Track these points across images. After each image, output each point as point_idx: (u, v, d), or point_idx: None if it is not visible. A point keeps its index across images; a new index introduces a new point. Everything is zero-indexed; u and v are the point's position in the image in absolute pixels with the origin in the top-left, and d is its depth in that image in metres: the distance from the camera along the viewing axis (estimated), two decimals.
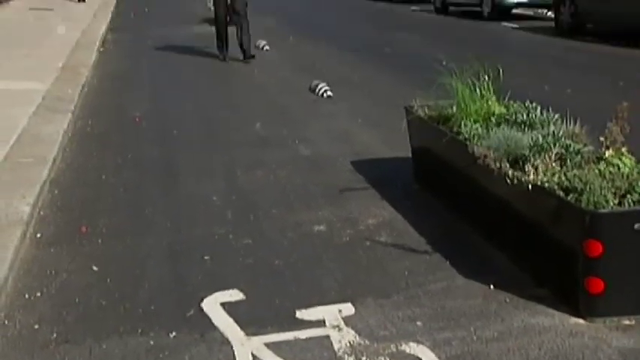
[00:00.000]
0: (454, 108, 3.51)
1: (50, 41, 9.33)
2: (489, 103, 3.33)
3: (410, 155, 4.01)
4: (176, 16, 14.55)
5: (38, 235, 3.17)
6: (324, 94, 6.34)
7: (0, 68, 6.99)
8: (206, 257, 2.96)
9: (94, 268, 2.86)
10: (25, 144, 4.28)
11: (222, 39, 8.39)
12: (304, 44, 10.13)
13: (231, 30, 8.21)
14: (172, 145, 4.75)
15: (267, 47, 9.41)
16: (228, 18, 8.41)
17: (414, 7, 17.70)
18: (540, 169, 2.59)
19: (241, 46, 8.11)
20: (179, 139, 4.91)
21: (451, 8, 16.04)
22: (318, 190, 3.83)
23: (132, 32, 11.57)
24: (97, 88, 6.75)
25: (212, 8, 12.50)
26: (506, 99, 3.51)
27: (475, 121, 3.24)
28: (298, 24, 13.40)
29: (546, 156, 2.66)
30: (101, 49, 9.19)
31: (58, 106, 5.36)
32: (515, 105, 3.39)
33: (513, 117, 3.18)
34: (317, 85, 6.47)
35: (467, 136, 3.13)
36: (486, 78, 3.45)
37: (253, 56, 8.09)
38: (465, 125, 3.21)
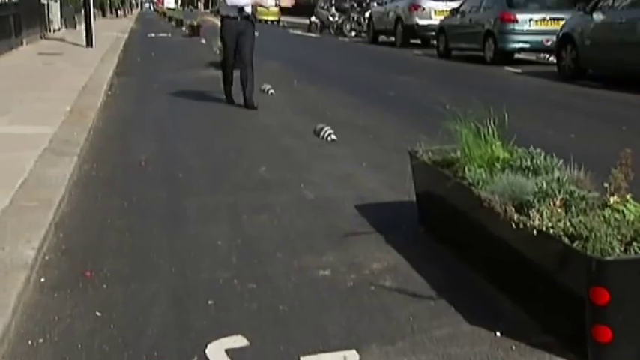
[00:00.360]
0: (458, 153, 3.53)
1: (59, 85, 9.45)
2: (493, 148, 3.35)
3: (415, 199, 4.02)
4: (182, 60, 14.75)
5: (42, 280, 3.16)
6: (329, 138, 6.38)
7: (10, 112, 7.08)
8: (210, 302, 2.94)
9: (98, 313, 2.84)
10: (30, 187, 4.29)
11: (228, 82, 8.44)
12: (308, 88, 10.25)
13: (237, 73, 8.28)
14: (177, 189, 4.77)
15: (271, 91, 9.50)
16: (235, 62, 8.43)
17: (416, 52, 17.94)
18: (545, 215, 2.59)
19: (244, 94, 8.13)
20: (184, 183, 4.93)
21: (454, 52, 16.25)
22: (322, 234, 3.83)
23: (138, 76, 11.71)
24: (103, 131, 6.80)
25: (218, 52, 12.76)
26: (511, 144, 3.52)
27: (479, 167, 3.25)
28: (302, 68, 13.56)
29: (551, 202, 2.66)
30: (108, 93, 9.30)
31: (64, 150, 5.40)
32: (519, 150, 3.40)
33: (518, 162, 3.19)
34: (321, 129, 6.51)
35: (471, 181, 3.13)
36: (490, 123, 3.47)
37: (255, 107, 8.03)
38: (470, 170, 3.22)
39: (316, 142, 6.35)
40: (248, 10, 8.08)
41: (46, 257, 3.41)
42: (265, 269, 3.33)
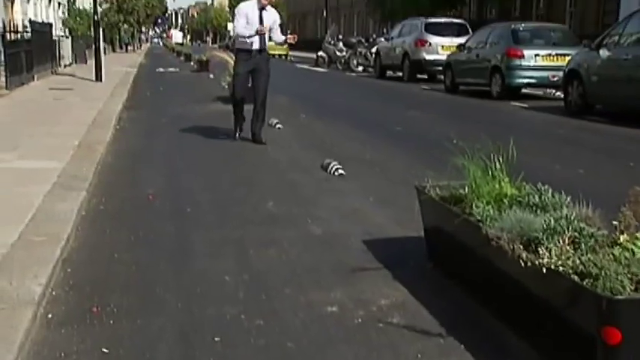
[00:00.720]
0: (466, 189, 3.53)
1: (68, 119, 9.54)
2: (501, 184, 3.34)
3: (423, 235, 4.01)
4: (190, 94, 14.88)
5: (49, 316, 3.15)
6: (336, 172, 6.39)
7: (20, 147, 7.13)
8: (217, 339, 2.92)
9: (105, 350, 2.82)
10: (39, 222, 4.30)
11: (240, 118, 8.33)
12: (316, 122, 10.30)
13: (247, 107, 8.31)
14: (185, 223, 4.77)
15: (279, 125, 9.56)
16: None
17: (424, 86, 18.05)
18: (554, 253, 2.57)
19: (253, 129, 8.12)
20: (192, 217, 4.93)
21: (461, 87, 16.34)
22: (329, 270, 3.81)
23: (147, 110, 11.81)
24: (111, 165, 6.84)
25: (226, 87, 12.87)
26: (519, 179, 3.52)
27: (487, 203, 3.25)
28: (310, 102, 13.65)
29: (560, 239, 2.65)
30: (117, 127, 9.37)
31: (72, 184, 5.42)
32: (527, 187, 3.40)
33: (526, 199, 3.19)
34: (329, 164, 6.53)
35: (479, 217, 3.13)
36: (498, 158, 3.48)
37: (264, 142, 8.01)
38: (477, 207, 3.21)
39: (324, 176, 6.36)
40: (262, 43, 7.87)
41: (54, 293, 3.41)
42: (273, 305, 3.31)
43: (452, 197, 3.61)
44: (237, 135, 8.37)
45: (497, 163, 3.46)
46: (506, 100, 13.57)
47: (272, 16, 7.92)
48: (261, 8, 7.84)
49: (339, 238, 4.40)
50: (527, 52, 13.85)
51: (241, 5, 8.04)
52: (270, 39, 7.95)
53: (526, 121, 11.12)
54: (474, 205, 3.28)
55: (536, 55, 13.86)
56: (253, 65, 7.89)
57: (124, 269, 3.79)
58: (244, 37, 7.81)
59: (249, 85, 8.15)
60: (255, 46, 7.84)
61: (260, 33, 7.75)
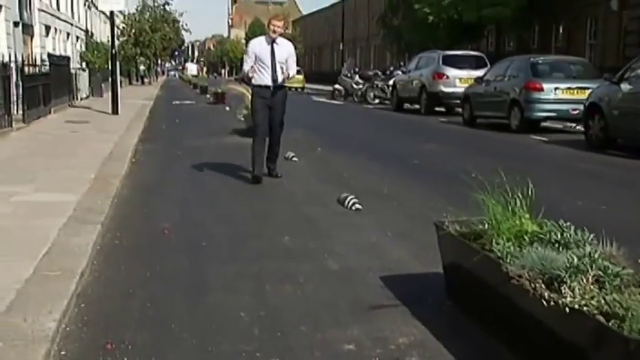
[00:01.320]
0: (486, 225, 3.51)
1: (84, 152, 9.65)
2: (522, 220, 3.32)
3: (441, 271, 3.98)
4: (206, 127, 15.00)
5: (62, 353, 3.14)
6: (353, 206, 6.38)
7: (36, 180, 7.22)
8: None
9: None
10: (54, 257, 4.33)
11: (259, 153, 7.81)
12: (332, 155, 10.32)
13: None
14: (200, 258, 4.77)
15: (295, 158, 9.59)
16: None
17: (441, 119, 18.08)
18: (578, 292, 2.54)
19: (268, 162, 8.01)
20: (207, 251, 4.94)
21: (479, 120, 16.36)
22: (346, 306, 3.78)
23: (163, 143, 11.90)
24: (127, 198, 6.88)
25: (243, 119, 12.97)
26: (539, 215, 3.50)
27: (508, 239, 3.23)
28: (326, 135, 13.69)
29: (583, 278, 2.61)
30: (133, 160, 9.45)
31: (88, 218, 5.46)
32: (548, 223, 3.37)
33: (547, 236, 3.16)
34: (345, 197, 6.53)
35: (500, 254, 3.10)
36: (518, 193, 3.46)
37: (279, 176, 7.97)
38: (497, 243, 3.19)
39: (340, 210, 6.35)
40: (280, 78, 7.65)
41: (67, 329, 3.40)
42: (288, 342, 3.29)
43: (471, 233, 3.58)
44: (255, 172, 7.81)
45: (518, 199, 3.44)
46: (525, 134, 13.55)
47: (285, 49, 7.68)
48: (272, 42, 7.60)
49: (357, 274, 4.37)
50: (546, 86, 13.86)
51: (251, 42, 7.96)
52: (288, 76, 7.72)
53: (546, 155, 11.08)
54: (493, 242, 3.25)
55: (556, 88, 13.86)
56: (270, 101, 7.71)
57: (138, 305, 3.79)
58: (248, 75, 7.69)
59: (267, 119, 7.86)
60: (269, 81, 7.64)
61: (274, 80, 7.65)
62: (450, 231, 3.73)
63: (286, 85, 7.91)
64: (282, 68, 7.61)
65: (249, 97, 12.80)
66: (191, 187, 7.66)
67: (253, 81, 7.78)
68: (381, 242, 5.19)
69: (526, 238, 3.23)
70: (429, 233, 4.12)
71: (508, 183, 3.49)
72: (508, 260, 3.00)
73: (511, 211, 3.41)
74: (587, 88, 12.80)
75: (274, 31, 7.55)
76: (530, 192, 3.44)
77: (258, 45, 7.68)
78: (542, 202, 3.54)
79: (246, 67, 7.70)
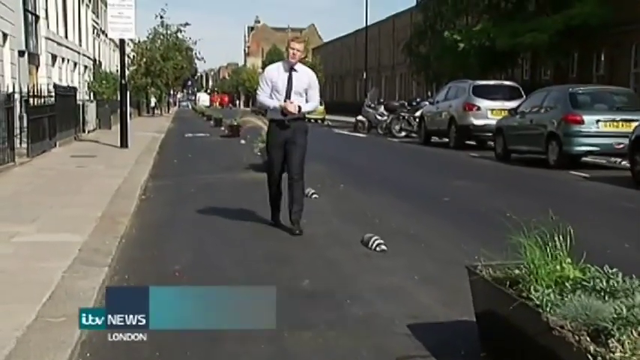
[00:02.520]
0: (523, 269, 3.48)
1: (91, 189, 9.74)
2: (563, 265, 3.30)
3: (474, 319, 3.94)
4: (220, 161, 15.11)
5: None
6: (377, 248, 6.37)
7: (39, 218, 7.29)
8: None
9: None
10: (57, 301, 4.35)
11: (275, 197, 7.58)
12: (355, 192, 10.33)
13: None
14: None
15: (315, 195, 9.59)
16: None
17: (472, 154, 18.05)
18: (627, 346, 2.50)
19: (290, 213, 7.26)
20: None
21: (513, 155, 16.30)
22: (371, 357, 3.76)
23: (174, 179, 11.99)
24: (136, 238, 6.92)
25: (259, 154, 13.04)
26: (582, 260, 3.46)
27: (547, 286, 3.19)
28: (349, 170, 13.72)
29: (634, 331, 2.57)
30: (142, 197, 9.52)
31: (94, 260, 5.49)
32: (592, 269, 3.34)
33: (591, 283, 3.12)
34: (370, 238, 6.52)
35: (538, 302, 3.07)
36: (558, 235, 3.43)
37: (300, 233, 7.16)
38: (536, 290, 3.16)
39: (364, 252, 6.34)
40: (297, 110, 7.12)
41: None
42: None
43: (507, 278, 3.55)
44: (275, 218, 7.63)
45: (557, 241, 3.41)
46: (564, 170, 13.45)
47: (304, 78, 7.16)
48: (291, 68, 7.10)
49: (381, 321, 4.35)
50: (587, 118, 13.79)
51: (266, 69, 7.47)
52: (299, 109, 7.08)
53: (588, 193, 10.98)
54: (531, 289, 3.23)
55: (598, 120, 13.78)
56: (287, 136, 7.17)
57: (148, 355, 3.79)
58: (265, 106, 7.40)
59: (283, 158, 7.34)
60: (281, 115, 7.14)
61: (285, 111, 7.06)
62: (484, 276, 3.69)
63: (307, 117, 7.47)
64: (301, 99, 7.10)
65: (265, 128, 13.01)
66: (204, 227, 7.68)
67: (270, 115, 7.42)
68: (407, 287, 5.16)
69: (567, 284, 3.20)
70: (460, 278, 4.10)
71: (546, 224, 3.46)
72: (548, 309, 2.97)
73: (550, 254, 3.38)
74: (633, 121, 12.72)
75: (293, 55, 7.03)
76: (571, 234, 3.41)
77: (275, 71, 7.20)
78: (585, 246, 3.51)
79: (261, 97, 7.26)
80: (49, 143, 16.01)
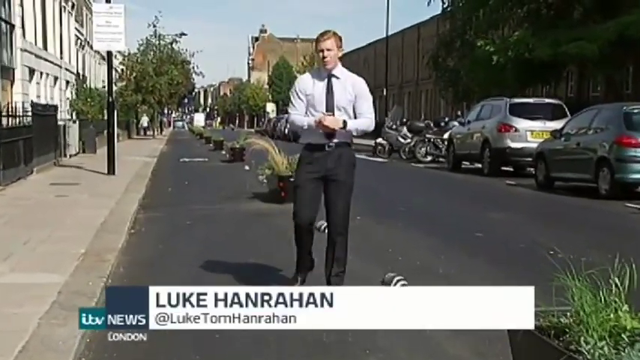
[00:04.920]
0: (571, 317, 3.44)
1: (72, 222, 9.77)
2: (619, 313, 3.26)
3: None
4: (221, 189, 15.17)
5: None
6: None
7: (13, 256, 7.31)
8: None
9: None
10: (33, 353, 4.32)
11: (303, 254, 6.46)
12: (375, 225, 10.31)
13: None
14: (212, 353, 4.75)
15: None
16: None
17: (509, 181, 18.04)
18: None
19: (329, 277, 6.35)
20: (221, 344, 4.91)
21: (557, 183, 16.25)
22: None
23: (168, 210, 12.03)
24: (123, 278, 6.93)
25: (265, 181, 13.06)
26: None
27: (600, 338, 3.16)
28: (367, 200, 13.68)
29: None
30: (131, 231, 9.53)
31: (75, 304, 5.46)
32: None
33: None
34: (391, 278, 6.50)
35: (589, 357, 3.04)
36: (613, 277, 3.40)
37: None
38: (587, 342, 3.12)
39: None
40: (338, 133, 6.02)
41: None
42: None
43: (552, 327, 3.52)
44: (299, 278, 6.47)
45: (612, 284, 3.38)
46: (617, 200, 13.38)
47: (349, 86, 6.07)
48: (329, 75, 6.05)
49: None
50: None
51: (298, 80, 6.41)
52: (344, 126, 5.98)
53: None
54: (581, 340, 3.19)
55: None
56: (327, 168, 6.06)
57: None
58: (297, 127, 6.23)
59: (318, 200, 6.27)
60: (321, 138, 6.03)
61: (321, 128, 5.96)
62: None
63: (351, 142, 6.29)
64: (346, 117, 6.03)
65: (274, 153, 13.03)
66: (201, 266, 7.66)
67: (302, 138, 6.24)
68: (435, 335, 5.11)
69: (624, 336, 3.17)
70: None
71: (598, 263, 3.44)
72: None
73: (604, 300, 3.35)
74: None
75: (325, 58, 5.98)
76: (629, 276, 3.37)
77: (309, 81, 6.13)
78: None
79: (293, 115, 6.18)
80: (25, 169, 16.11)
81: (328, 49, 5.92)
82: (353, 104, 6.04)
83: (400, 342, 4.95)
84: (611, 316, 3.29)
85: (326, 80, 6.02)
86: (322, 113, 5.92)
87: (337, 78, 6.04)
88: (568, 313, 3.50)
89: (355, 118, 6.05)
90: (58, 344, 4.51)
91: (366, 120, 6.09)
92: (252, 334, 5.24)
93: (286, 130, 42.13)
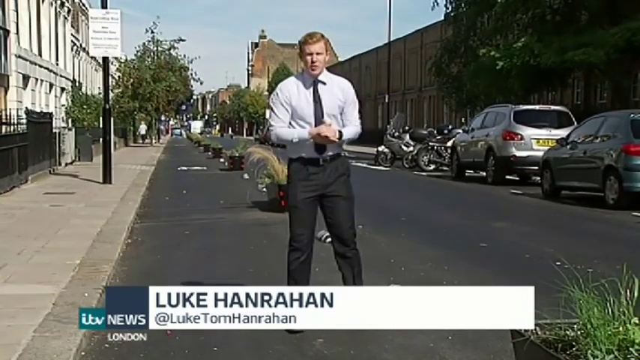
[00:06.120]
0: (578, 330, 3.44)
1: (68, 232, 9.76)
2: (627, 326, 3.26)
3: None
4: (220, 198, 15.16)
5: None
6: None
7: (6, 267, 7.29)
8: None
9: None
10: None
11: (303, 276, 5.87)
12: (377, 235, 10.29)
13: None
14: None
15: (329, 239, 9.52)
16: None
17: (514, 190, 18.03)
18: None
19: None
20: (219, 356, 4.91)
21: (563, 192, 16.24)
22: None
23: (166, 219, 12.03)
24: None
25: (265, 190, 13.06)
26: None
27: (608, 351, 3.16)
28: (369, 210, 13.67)
29: None
30: (128, 241, 9.53)
31: (70, 316, 5.46)
32: None
33: None
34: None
35: None
36: (622, 290, 3.40)
37: None
38: (595, 356, 3.12)
39: None
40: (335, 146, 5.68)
41: None
42: None
43: (558, 340, 3.52)
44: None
45: (622, 297, 3.37)
46: (625, 210, 13.37)
47: (338, 91, 5.67)
48: (315, 81, 5.61)
49: None
50: None
51: (280, 87, 5.78)
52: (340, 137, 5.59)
53: None
54: (588, 353, 3.19)
55: None
56: (322, 187, 5.67)
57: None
58: (284, 140, 5.69)
59: (315, 218, 5.90)
60: (313, 152, 5.63)
61: (318, 141, 5.55)
62: (530, 337, 3.66)
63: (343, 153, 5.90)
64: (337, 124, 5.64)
65: (273, 161, 13.03)
66: (200, 276, 7.65)
67: (290, 152, 5.76)
68: (439, 348, 5.13)
69: (633, 350, 3.16)
70: (502, 338, 4.06)
71: (606, 274, 3.43)
72: None
73: (612, 312, 3.34)
74: None
75: (313, 63, 5.54)
76: (637, 287, 3.37)
77: (294, 88, 5.65)
78: None
79: (277, 128, 5.67)
80: (20, 178, 16.11)
81: (318, 53, 5.48)
82: (341, 109, 5.67)
83: (403, 355, 4.97)
84: (620, 329, 3.28)
85: (312, 87, 5.59)
86: (322, 122, 5.50)
87: (324, 84, 5.61)
88: (575, 326, 3.50)
89: (343, 125, 5.68)
90: (53, 357, 4.50)
91: (355, 128, 5.78)
92: (251, 349, 5.26)
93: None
